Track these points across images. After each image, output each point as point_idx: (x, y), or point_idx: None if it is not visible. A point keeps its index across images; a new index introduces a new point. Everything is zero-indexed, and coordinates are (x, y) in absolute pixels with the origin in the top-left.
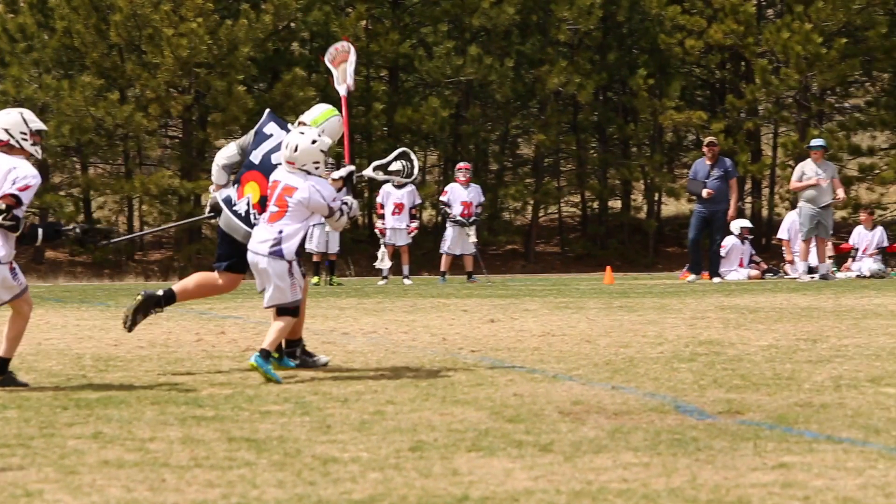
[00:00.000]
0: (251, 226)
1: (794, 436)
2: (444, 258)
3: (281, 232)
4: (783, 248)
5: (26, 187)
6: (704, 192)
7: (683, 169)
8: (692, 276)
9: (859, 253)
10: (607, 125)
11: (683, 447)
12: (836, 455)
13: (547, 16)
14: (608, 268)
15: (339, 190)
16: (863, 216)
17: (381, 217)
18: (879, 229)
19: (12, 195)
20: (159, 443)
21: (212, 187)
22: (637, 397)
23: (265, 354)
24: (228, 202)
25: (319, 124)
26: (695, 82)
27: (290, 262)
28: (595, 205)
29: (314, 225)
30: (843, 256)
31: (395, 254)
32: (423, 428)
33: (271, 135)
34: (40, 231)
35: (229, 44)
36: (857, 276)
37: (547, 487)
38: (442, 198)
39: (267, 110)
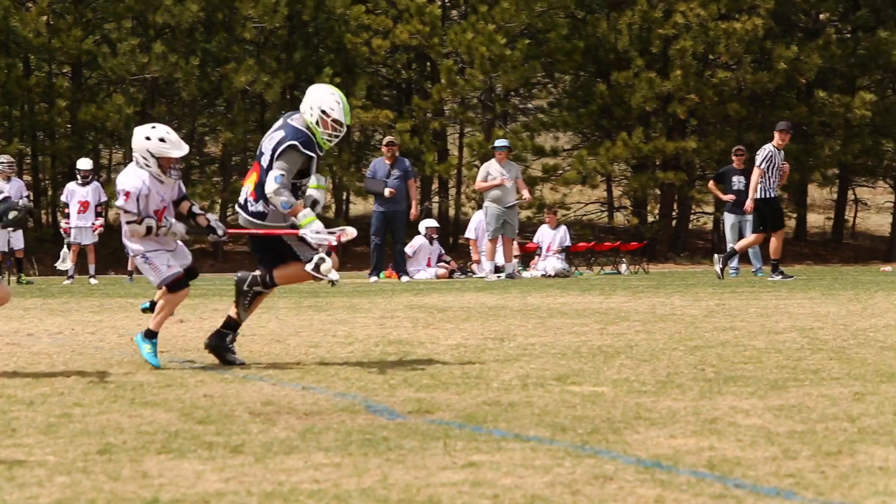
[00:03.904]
0: (248, 212)
1: (482, 434)
2: (131, 257)
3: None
4: (470, 248)
5: None
6: (387, 192)
7: None
8: (374, 278)
9: (544, 252)
10: None
11: (374, 447)
12: (524, 453)
13: (232, 13)
14: None
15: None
16: (547, 216)
17: (66, 216)
18: (563, 228)
19: None
20: None
21: None
22: (328, 397)
23: (147, 334)
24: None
25: (316, 108)
26: (381, 82)
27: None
28: None
29: None
30: (528, 255)
31: (82, 253)
32: (111, 430)
33: (273, 128)
34: None
35: None
36: (543, 275)
37: (238, 489)
38: None
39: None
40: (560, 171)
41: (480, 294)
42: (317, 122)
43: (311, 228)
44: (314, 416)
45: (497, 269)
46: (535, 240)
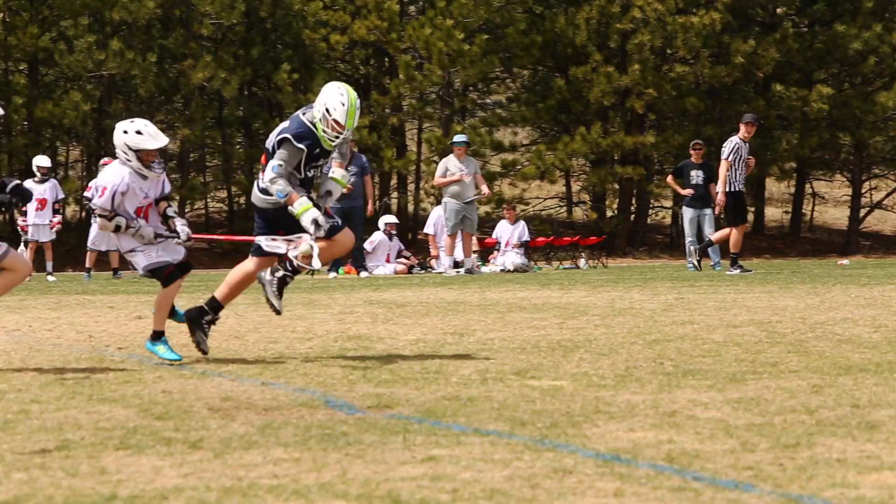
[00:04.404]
0: (259, 189)
1: (442, 429)
2: (89, 254)
3: None
4: (429, 243)
5: None
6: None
7: None
8: (333, 273)
9: (503, 247)
10: (253, 120)
11: (334, 442)
12: (483, 447)
13: (189, 10)
14: None
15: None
16: (506, 211)
17: (24, 214)
18: (521, 224)
19: None
20: None
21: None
22: (287, 393)
23: (154, 336)
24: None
25: (322, 104)
26: (339, 78)
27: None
28: (242, 200)
29: None
30: (487, 251)
31: (39, 250)
32: (69, 426)
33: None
34: None
35: None
36: (502, 270)
37: (197, 484)
38: (86, 193)
39: None
40: (519, 167)
41: (439, 289)
42: (321, 119)
43: (308, 216)
44: (273, 411)
45: (456, 265)
46: (493, 235)
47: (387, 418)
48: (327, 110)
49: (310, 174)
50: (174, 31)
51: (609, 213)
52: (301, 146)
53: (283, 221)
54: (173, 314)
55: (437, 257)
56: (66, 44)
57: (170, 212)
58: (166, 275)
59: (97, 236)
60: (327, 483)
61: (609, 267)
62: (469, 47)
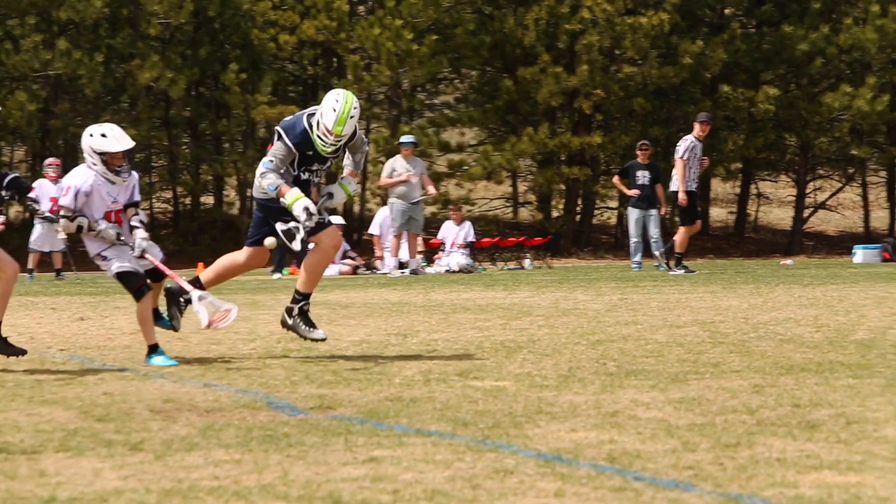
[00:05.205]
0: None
1: (384, 430)
2: (31, 255)
3: None
4: (374, 244)
5: None
6: None
7: None
8: (277, 275)
9: (448, 248)
10: (200, 120)
11: (275, 443)
12: (425, 448)
13: (137, 9)
14: (200, 264)
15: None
16: (451, 212)
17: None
18: (467, 224)
19: None
20: None
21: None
22: (229, 394)
23: (150, 351)
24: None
25: (320, 109)
26: (287, 78)
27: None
28: (187, 200)
29: None
30: (433, 251)
31: None
32: (8, 429)
33: None
34: None
35: None
36: (447, 270)
37: (137, 487)
38: (30, 194)
39: None
40: (465, 167)
41: (384, 290)
42: (317, 123)
43: (299, 205)
44: (215, 412)
45: (401, 265)
46: (439, 236)
47: (329, 419)
48: (321, 114)
49: (303, 176)
50: (122, 31)
51: (555, 214)
52: (290, 145)
53: (275, 214)
54: (158, 319)
55: (381, 258)
56: (12, 43)
57: (134, 220)
58: (136, 289)
59: (39, 237)
60: (268, 484)
61: (554, 267)
62: (418, 47)
